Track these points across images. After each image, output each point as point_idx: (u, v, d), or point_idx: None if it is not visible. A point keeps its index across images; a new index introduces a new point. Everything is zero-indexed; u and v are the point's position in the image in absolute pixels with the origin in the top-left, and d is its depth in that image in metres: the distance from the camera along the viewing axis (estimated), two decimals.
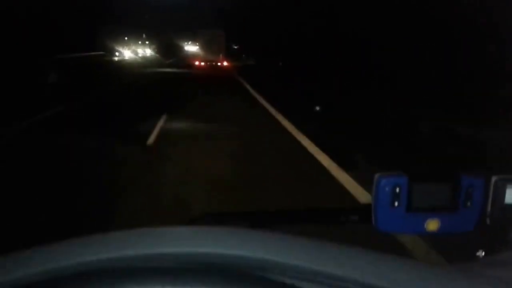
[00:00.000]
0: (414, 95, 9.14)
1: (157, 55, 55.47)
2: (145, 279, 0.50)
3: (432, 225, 0.82)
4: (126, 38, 61.43)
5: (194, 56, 36.84)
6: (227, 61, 30.73)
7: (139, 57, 53.55)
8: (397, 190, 0.81)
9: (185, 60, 37.84)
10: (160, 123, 8.48)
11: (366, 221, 0.85)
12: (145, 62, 39.98)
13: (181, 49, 66.61)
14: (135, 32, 65.52)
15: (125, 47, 57.18)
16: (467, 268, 0.75)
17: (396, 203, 0.81)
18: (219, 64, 29.82)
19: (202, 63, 29.72)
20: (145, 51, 63.26)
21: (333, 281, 0.54)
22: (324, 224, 0.91)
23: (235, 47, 41.83)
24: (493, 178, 0.87)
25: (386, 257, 0.61)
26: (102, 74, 22.92)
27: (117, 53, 49.73)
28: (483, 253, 0.90)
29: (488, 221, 0.88)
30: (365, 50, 13.63)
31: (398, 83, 10.79)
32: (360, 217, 0.88)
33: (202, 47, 31.38)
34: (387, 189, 0.81)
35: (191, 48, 66.56)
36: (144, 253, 0.56)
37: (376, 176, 0.83)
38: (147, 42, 71.05)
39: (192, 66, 29.63)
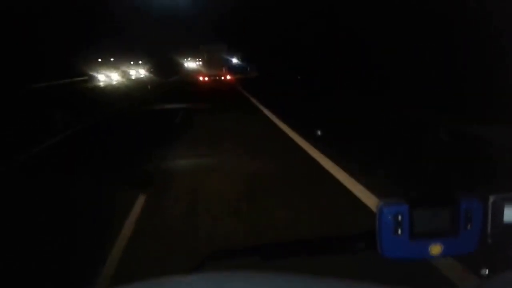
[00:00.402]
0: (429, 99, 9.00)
1: (152, 75, 51.06)
2: None
3: (435, 249, 0.86)
4: (112, 59, 56.86)
5: (196, 72, 37.12)
6: (230, 75, 31.07)
7: (131, 78, 47.66)
8: (399, 218, 0.84)
9: (188, 77, 37.85)
10: None
11: (372, 248, 0.88)
12: (138, 87, 31.54)
13: (181, 66, 64.35)
14: (125, 52, 60.83)
15: (112, 69, 49.99)
16: None
17: (399, 231, 0.84)
18: (222, 78, 30.23)
19: (206, 78, 30.09)
20: (139, 72, 58.42)
21: None
22: (332, 254, 0.94)
23: (238, 61, 42.05)
24: (491, 198, 0.90)
25: None
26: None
27: (101, 77, 43.47)
28: (487, 271, 0.93)
29: (489, 240, 0.92)
30: (372, 54, 13.65)
31: (408, 87, 10.69)
32: (366, 244, 0.92)
33: (205, 62, 31.69)
34: (389, 217, 0.85)
35: (190, 64, 64.68)
36: None
37: (379, 204, 0.87)
38: (140, 62, 66.44)
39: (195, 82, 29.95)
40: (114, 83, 40.74)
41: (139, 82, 42.17)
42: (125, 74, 50.54)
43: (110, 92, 28.41)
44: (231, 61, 37.35)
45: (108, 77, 44.77)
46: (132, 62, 65.28)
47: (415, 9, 11.01)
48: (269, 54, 30.08)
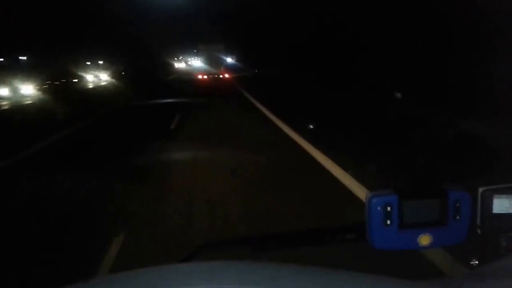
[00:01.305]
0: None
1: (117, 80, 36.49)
2: None
3: (424, 240, 0.86)
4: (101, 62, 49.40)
5: (190, 74, 37.35)
6: (228, 73, 31.93)
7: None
8: (388, 208, 0.85)
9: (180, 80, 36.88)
10: None
11: (362, 239, 0.89)
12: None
13: (170, 67, 58.21)
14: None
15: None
16: (461, 280, 0.79)
17: (388, 221, 0.85)
18: (220, 76, 31.10)
19: (205, 76, 30.92)
20: (99, 76, 42.08)
21: None
22: (323, 245, 0.95)
23: (234, 61, 42.50)
24: (480, 190, 0.91)
25: (380, 278, 0.65)
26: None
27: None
28: (477, 262, 0.94)
29: (479, 231, 0.93)
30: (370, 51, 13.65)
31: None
32: (356, 235, 0.92)
33: (203, 61, 32.42)
34: (378, 208, 0.85)
35: (181, 65, 61.17)
36: None
37: (368, 195, 0.87)
38: (101, 62, 50.47)
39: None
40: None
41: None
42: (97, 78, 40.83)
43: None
44: (229, 60, 37.86)
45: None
46: (101, 62, 50.95)
47: (416, 8, 11.02)
48: (264, 55, 30.45)
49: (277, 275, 0.61)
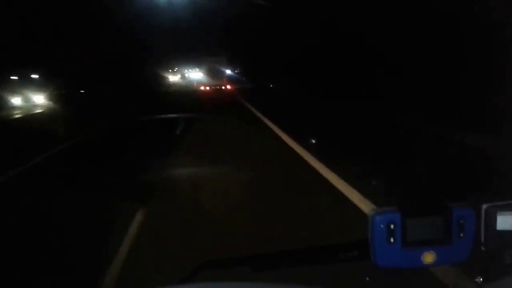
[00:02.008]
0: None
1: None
2: None
3: (428, 258, 0.86)
4: None
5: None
6: (229, 85, 32.39)
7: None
8: (392, 226, 0.84)
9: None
10: None
11: (364, 257, 0.88)
12: None
13: (165, 80, 49.99)
14: None
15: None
16: None
17: (391, 239, 0.84)
18: (222, 87, 31.64)
19: (207, 88, 31.22)
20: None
21: None
22: (325, 263, 0.94)
23: (235, 73, 42.84)
24: (483, 206, 0.90)
25: None
26: None
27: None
28: (481, 279, 0.93)
29: (483, 248, 0.92)
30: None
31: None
32: (359, 253, 0.92)
33: (206, 73, 32.93)
34: (382, 225, 0.84)
35: (175, 78, 55.09)
36: None
37: (371, 213, 0.87)
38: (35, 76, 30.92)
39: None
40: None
41: None
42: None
43: None
44: (230, 72, 38.26)
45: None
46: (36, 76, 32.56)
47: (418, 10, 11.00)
48: (264, 67, 30.80)
49: None
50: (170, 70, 57.17)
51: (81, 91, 34.59)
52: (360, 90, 13.73)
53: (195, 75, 56.85)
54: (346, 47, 15.73)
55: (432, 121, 8.31)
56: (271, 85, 26.58)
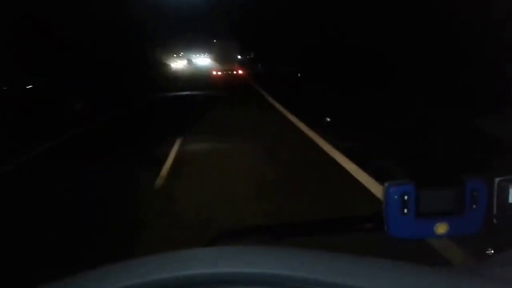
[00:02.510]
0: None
1: None
2: None
3: (441, 228, 0.88)
4: None
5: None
6: (241, 70, 32.19)
7: None
8: (405, 197, 0.86)
9: None
10: None
11: (379, 228, 0.91)
12: None
13: (167, 68, 42.94)
14: None
15: None
16: (476, 268, 0.80)
17: (405, 210, 0.87)
18: (234, 72, 31.30)
19: (219, 72, 31.10)
20: None
21: None
22: (340, 233, 0.96)
23: (248, 57, 42.40)
24: (496, 180, 0.92)
25: (399, 264, 0.67)
26: None
27: None
28: (492, 251, 0.95)
29: (495, 221, 0.94)
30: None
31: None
32: (373, 224, 0.94)
33: (218, 56, 32.56)
34: (396, 197, 0.87)
35: (178, 65, 49.27)
36: (168, 276, 0.61)
37: (385, 184, 0.89)
38: None
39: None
40: None
41: None
42: None
43: None
44: (242, 56, 37.96)
45: None
46: None
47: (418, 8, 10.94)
48: (276, 52, 30.56)
49: (301, 259, 0.63)
50: (174, 55, 50.70)
51: None
52: (373, 77, 13.69)
53: (203, 60, 50.79)
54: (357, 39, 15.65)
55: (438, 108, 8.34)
56: (298, 74, 26.13)
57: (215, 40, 34.12)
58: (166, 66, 40.73)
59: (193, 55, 55.33)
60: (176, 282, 0.60)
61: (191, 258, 0.66)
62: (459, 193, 0.87)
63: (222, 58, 31.81)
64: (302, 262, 0.63)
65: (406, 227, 0.88)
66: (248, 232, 0.99)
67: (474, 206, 0.88)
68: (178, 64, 49.24)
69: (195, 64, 51.23)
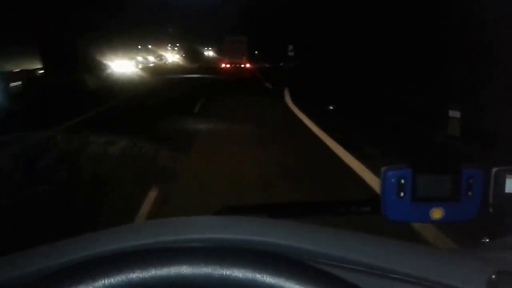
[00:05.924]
0: None
1: None
2: (175, 257, 0.53)
3: (437, 213, 0.89)
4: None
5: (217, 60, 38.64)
6: (249, 63, 33.50)
7: None
8: (402, 181, 0.88)
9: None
10: None
11: (376, 211, 0.92)
12: None
13: (202, 55, 51.18)
14: None
15: None
16: (473, 252, 0.82)
17: (402, 194, 0.88)
18: (242, 66, 32.73)
19: (228, 65, 32.43)
20: None
21: (359, 267, 0.61)
22: (338, 215, 0.98)
23: (256, 52, 43.06)
24: (493, 170, 0.93)
25: (403, 243, 0.69)
26: None
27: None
28: (487, 240, 0.96)
29: (490, 210, 0.95)
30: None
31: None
32: (371, 207, 0.96)
33: (228, 50, 33.62)
34: (392, 180, 0.88)
35: (210, 53, 54.69)
36: (174, 239, 0.61)
37: (383, 168, 0.90)
38: None
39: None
40: None
41: None
42: None
43: None
44: (250, 51, 38.58)
45: None
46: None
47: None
48: (281, 48, 31.07)
49: (298, 232, 0.65)
50: (205, 48, 49.42)
51: None
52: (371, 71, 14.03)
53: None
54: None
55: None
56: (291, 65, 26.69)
57: (225, 36, 35.18)
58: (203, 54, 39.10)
59: (208, 48, 56.07)
60: (189, 241, 0.61)
61: (193, 223, 0.67)
62: (456, 180, 0.88)
63: (231, 52, 32.86)
64: (311, 235, 0.64)
65: (402, 211, 0.89)
66: (245, 210, 1.00)
67: (469, 193, 0.89)
68: (207, 53, 51.59)
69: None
